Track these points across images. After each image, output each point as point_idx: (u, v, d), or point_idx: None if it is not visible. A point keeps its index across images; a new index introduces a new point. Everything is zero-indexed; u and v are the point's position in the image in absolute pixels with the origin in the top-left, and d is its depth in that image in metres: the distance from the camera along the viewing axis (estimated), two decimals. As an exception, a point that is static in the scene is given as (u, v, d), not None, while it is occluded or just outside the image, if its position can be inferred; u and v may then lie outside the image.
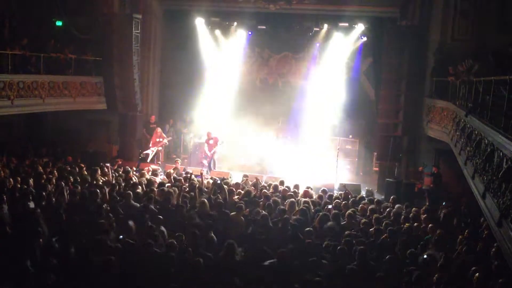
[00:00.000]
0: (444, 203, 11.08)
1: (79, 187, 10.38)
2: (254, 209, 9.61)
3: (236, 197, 10.61)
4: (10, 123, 15.24)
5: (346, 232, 8.50)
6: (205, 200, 9.73)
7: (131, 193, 9.89)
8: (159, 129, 16.59)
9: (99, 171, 12.05)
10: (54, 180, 11.09)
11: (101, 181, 11.45)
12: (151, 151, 16.00)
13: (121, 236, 7.50)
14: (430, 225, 8.96)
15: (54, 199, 9.45)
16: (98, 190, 9.91)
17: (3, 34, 14.12)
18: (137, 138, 17.44)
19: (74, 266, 6.63)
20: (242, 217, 9.11)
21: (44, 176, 11.30)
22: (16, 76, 13.34)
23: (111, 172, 12.24)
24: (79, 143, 16.78)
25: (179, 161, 14.36)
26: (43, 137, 16.62)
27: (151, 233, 7.66)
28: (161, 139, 16.27)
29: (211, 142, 15.71)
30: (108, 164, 12.86)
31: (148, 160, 15.81)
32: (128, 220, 8.40)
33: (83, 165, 12.96)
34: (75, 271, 6.44)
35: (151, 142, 16.31)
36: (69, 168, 12.44)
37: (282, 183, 12.33)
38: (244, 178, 12.82)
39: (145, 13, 17.20)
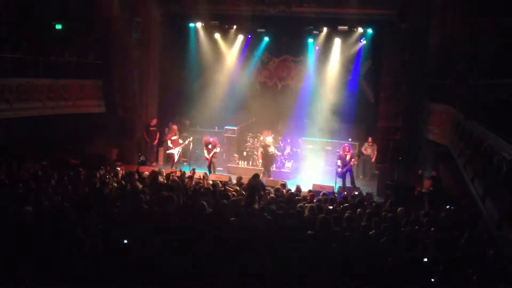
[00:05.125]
0: (448, 207, 11.03)
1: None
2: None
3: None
4: (9, 127, 15.22)
5: (346, 234, 8.46)
6: (204, 203, 9.71)
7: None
8: (175, 126, 16.46)
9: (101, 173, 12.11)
10: (53, 183, 11.07)
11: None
12: (177, 151, 15.90)
13: (125, 241, 7.46)
14: (430, 228, 8.94)
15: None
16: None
17: (3, 37, 14.13)
18: (136, 142, 17.43)
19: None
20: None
21: (44, 179, 11.29)
22: (15, 80, 13.36)
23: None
24: (78, 146, 16.76)
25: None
26: (43, 141, 16.59)
27: None
28: (176, 137, 16.14)
29: (209, 146, 15.68)
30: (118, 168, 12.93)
31: (175, 160, 15.75)
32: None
33: (81, 169, 12.94)
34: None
35: (169, 141, 16.19)
36: (70, 172, 12.42)
37: (284, 186, 12.32)
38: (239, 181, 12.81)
39: (145, 17, 17.21)
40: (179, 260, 6.98)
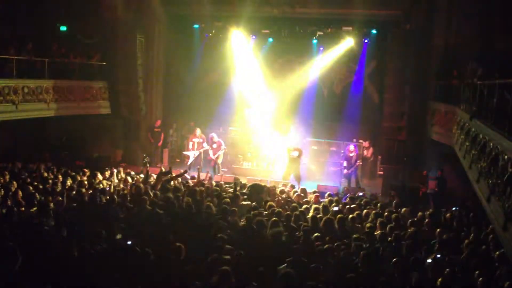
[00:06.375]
0: (454, 208, 10.98)
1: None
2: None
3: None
4: (15, 128, 15.30)
5: (353, 236, 8.45)
6: (211, 204, 9.72)
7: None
8: (198, 130, 16.32)
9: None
10: (59, 185, 11.11)
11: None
12: (193, 154, 15.79)
13: (129, 242, 7.45)
14: (435, 229, 8.91)
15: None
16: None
17: (8, 39, 14.21)
18: (141, 143, 17.47)
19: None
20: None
21: (50, 181, 11.33)
22: (21, 81, 13.44)
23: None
24: (83, 147, 16.82)
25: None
26: (48, 142, 16.68)
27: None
28: (200, 140, 16.00)
29: (214, 146, 15.69)
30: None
31: (189, 163, 15.69)
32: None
33: (86, 170, 12.99)
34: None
35: (190, 143, 16.11)
36: (73, 173, 12.47)
37: (292, 187, 12.35)
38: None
39: (149, 18, 17.26)
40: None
